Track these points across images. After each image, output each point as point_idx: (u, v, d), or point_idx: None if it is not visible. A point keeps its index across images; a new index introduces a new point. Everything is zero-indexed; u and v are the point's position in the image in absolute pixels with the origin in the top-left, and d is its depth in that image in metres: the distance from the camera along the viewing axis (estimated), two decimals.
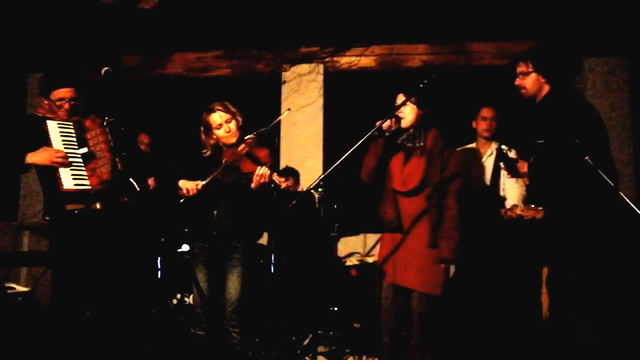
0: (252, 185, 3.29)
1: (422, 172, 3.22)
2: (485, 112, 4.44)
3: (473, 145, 4.45)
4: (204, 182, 3.35)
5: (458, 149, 4.21)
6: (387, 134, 3.28)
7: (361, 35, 5.50)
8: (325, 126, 5.79)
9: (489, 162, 4.35)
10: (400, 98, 3.29)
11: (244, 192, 3.36)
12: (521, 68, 3.45)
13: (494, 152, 4.33)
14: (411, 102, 3.22)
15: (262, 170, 3.26)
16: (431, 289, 3.21)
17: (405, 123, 3.23)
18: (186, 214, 3.56)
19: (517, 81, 3.45)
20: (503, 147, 3.53)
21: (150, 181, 4.56)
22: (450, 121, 4.50)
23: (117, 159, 3.54)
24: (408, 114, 3.25)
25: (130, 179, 3.39)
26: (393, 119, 3.26)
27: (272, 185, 3.27)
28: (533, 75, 3.43)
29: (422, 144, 3.27)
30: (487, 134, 4.40)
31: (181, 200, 3.39)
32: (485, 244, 4.00)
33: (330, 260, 4.85)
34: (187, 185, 3.40)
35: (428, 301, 3.16)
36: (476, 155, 4.37)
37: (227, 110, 3.46)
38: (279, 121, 5.18)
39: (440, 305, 3.09)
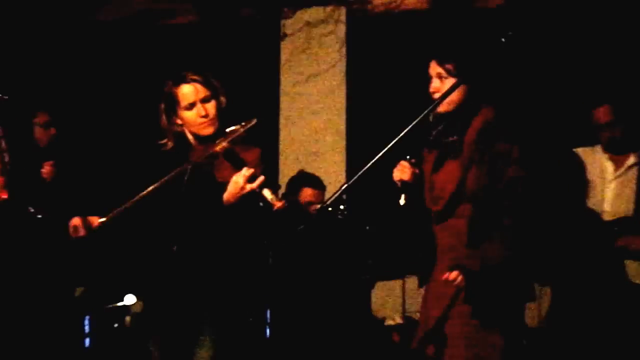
0: (225, 196, 3.29)
1: (455, 183, 3.21)
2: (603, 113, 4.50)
3: (597, 148, 4.54)
4: (104, 219, 3.38)
5: (579, 149, 4.47)
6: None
7: None
8: (350, 105, 5.68)
9: (627, 177, 4.43)
10: (435, 68, 3.26)
11: (220, 212, 3.35)
12: None
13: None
14: (448, 71, 3.20)
15: (242, 174, 3.24)
16: None
17: (442, 105, 3.22)
18: (127, 253, 3.83)
19: None
20: None
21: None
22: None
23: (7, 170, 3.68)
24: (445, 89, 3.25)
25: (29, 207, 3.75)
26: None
27: (261, 204, 3.28)
28: None
29: (455, 137, 3.25)
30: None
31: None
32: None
33: (361, 318, 4.82)
34: (75, 222, 3.43)
35: None
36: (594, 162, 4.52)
37: (206, 84, 3.45)
38: (278, 102, 5.66)
39: None
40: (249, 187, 3.24)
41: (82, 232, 3.42)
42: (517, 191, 3.17)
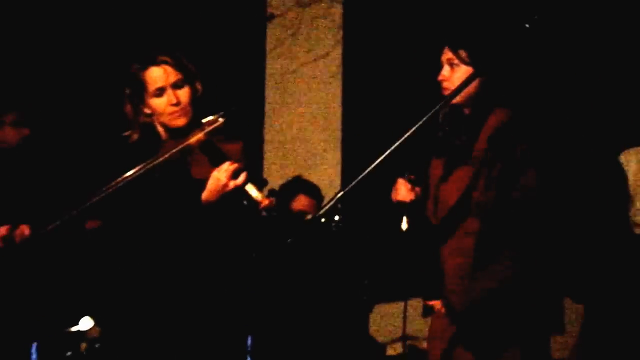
0: (204, 194, 3.25)
1: (461, 191, 3.16)
2: None
3: None
4: (37, 230, 3.34)
5: (632, 149, 4.45)
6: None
7: None
8: (346, 97, 5.62)
9: None
10: (447, 54, 3.18)
11: (199, 213, 3.31)
12: None
13: None
14: (461, 59, 3.12)
15: (225, 169, 3.22)
16: None
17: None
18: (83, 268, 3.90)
19: None
20: None
21: None
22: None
23: None
24: (456, 79, 3.13)
25: None
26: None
27: (245, 202, 3.24)
28: None
29: (463, 138, 3.19)
30: None
31: None
32: None
33: (358, 346, 4.76)
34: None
35: None
36: None
37: (178, 66, 3.38)
38: (264, 93, 5.79)
39: None
40: (232, 184, 3.19)
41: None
42: (531, 205, 3.10)
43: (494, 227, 3.07)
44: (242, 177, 3.20)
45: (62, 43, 5.84)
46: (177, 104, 3.31)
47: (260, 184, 3.31)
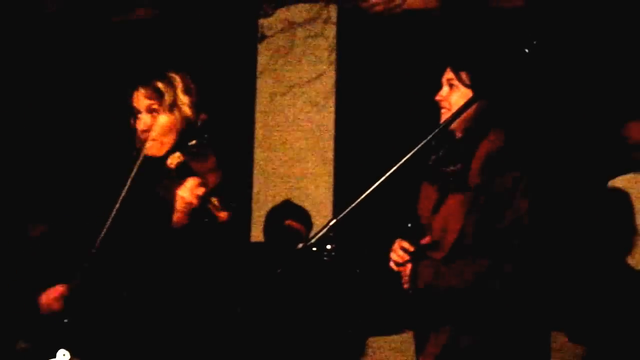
0: (175, 216, 3.27)
1: (459, 223, 3.14)
2: None
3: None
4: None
5: (619, 177, 4.49)
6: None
7: None
8: (339, 121, 5.60)
9: None
10: (447, 74, 3.21)
11: (170, 236, 3.30)
12: None
13: None
14: (462, 81, 3.14)
15: (187, 187, 3.24)
16: None
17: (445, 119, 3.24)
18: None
19: None
20: None
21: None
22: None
23: None
24: (454, 103, 3.15)
25: None
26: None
27: (206, 220, 3.30)
28: None
29: (458, 166, 3.20)
30: None
31: None
32: None
33: None
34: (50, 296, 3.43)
35: None
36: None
37: (154, 92, 3.39)
38: (254, 112, 5.80)
39: None
40: (196, 200, 3.20)
41: None
42: (522, 230, 3.09)
43: (484, 256, 3.05)
44: (202, 189, 3.21)
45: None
46: (147, 130, 3.32)
47: (229, 199, 3.30)
